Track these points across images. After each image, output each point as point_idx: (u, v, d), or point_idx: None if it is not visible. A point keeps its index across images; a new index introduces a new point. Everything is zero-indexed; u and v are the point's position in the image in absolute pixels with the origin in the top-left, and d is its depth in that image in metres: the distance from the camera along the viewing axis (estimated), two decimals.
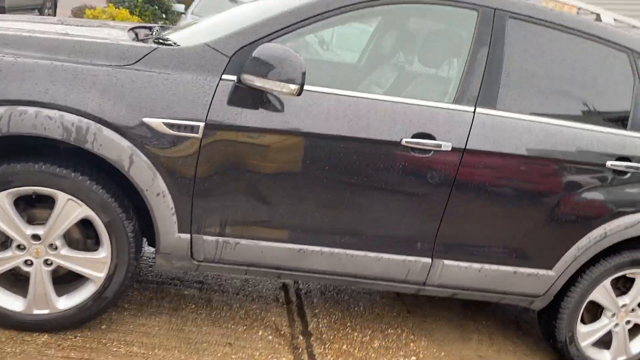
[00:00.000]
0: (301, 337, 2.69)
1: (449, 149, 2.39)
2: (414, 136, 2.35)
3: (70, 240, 2.25)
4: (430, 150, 2.38)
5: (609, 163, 2.58)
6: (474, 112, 2.44)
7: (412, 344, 2.84)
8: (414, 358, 2.73)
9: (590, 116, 2.62)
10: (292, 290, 3.13)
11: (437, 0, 2.47)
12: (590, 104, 2.63)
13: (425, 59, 2.80)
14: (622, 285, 2.88)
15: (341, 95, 2.30)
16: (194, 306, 2.74)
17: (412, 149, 2.36)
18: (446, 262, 2.57)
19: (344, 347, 2.69)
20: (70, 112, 2.02)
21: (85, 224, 2.24)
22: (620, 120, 2.66)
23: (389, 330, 2.93)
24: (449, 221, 2.49)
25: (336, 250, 2.43)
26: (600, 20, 2.76)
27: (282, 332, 2.68)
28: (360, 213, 2.40)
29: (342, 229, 2.42)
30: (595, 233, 2.64)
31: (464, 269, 2.59)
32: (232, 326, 2.64)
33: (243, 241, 2.34)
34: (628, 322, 2.89)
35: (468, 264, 2.59)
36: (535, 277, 2.68)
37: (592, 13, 2.83)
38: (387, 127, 2.33)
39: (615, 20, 2.81)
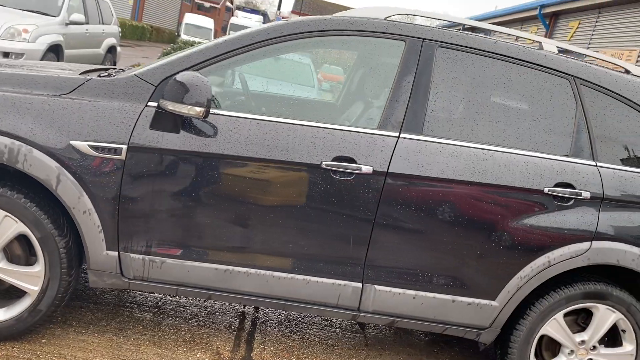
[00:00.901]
0: None
1: (370, 172, 2.42)
2: (334, 159, 2.41)
3: (12, 255, 2.43)
4: (352, 174, 2.42)
5: (546, 189, 2.51)
6: (398, 137, 2.48)
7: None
8: None
9: (527, 142, 2.58)
10: (250, 318, 3.17)
11: (365, 32, 2.57)
12: (528, 130, 2.60)
13: (355, 88, 2.87)
14: (583, 321, 2.73)
15: (261, 120, 2.41)
16: (141, 327, 2.83)
17: (334, 171, 2.41)
18: (378, 287, 2.55)
19: None
20: (5, 135, 2.24)
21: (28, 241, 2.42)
22: (561, 147, 2.60)
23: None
24: (377, 245, 2.50)
25: (262, 272, 2.49)
26: (542, 49, 2.75)
27: (221, 356, 2.72)
28: (284, 235, 2.46)
29: (266, 250, 2.47)
30: (538, 262, 2.55)
31: (398, 295, 2.56)
32: (172, 347, 2.71)
33: (169, 260, 2.44)
34: None
35: (401, 290, 2.56)
36: (476, 307, 2.60)
37: (534, 42, 2.83)
38: (307, 151, 2.40)
39: (558, 48, 2.79)
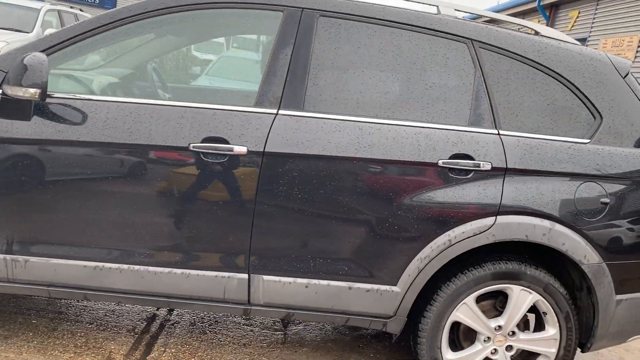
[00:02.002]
0: None
1: (244, 152, 2.24)
2: (204, 141, 2.23)
3: None
4: (225, 155, 2.24)
5: (441, 162, 2.31)
6: (276, 113, 2.29)
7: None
8: None
9: (420, 113, 2.38)
10: (159, 320, 2.99)
11: (240, 3, 2.40)
12: (421, 100, 2.40)
13: (233, 65, 2.69)
14: (502, 305, 2.51)
15: (122, 102, 2.24)
16: (31, 334, 2.66)
17: (204, 154, 2.23)
18: (266, 277, 2.36)
19: None
20: None
21: None
22: (459, 116, 2.40)
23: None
24: (261, 232, 2.31)
25: (136, 267, 2.30)
26: (439, 13, 2.56)
27: None
28: (156, 226, 2.28)
29: (138, 244, 2.29)
30: (439, 241, 2.34)
31: (289, 285, 2.36)
32: (58, 353, 2.53)
33: (33, 259, 2.27)
34: (509, 347, 2.50)
35: (292, 279, 2.36)
36: (376, 293, 2.39)
37: (432, 6, 2.63)
38: (174, 133, 2.23)
39: (457, 11, 2.60)
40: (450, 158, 2.32)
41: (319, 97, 2.34)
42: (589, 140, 2.43)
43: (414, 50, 2.42)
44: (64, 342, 2.64)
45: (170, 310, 3.12)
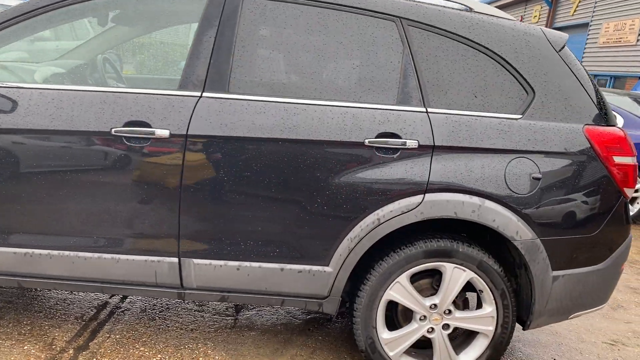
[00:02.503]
0: (71, 351, 2.55)
1: (167, 135, 2.24)
2: (125, 125, 2.24)
3: None
4: (148, 139, 2.25)
5: (367, 141, 2.30)
6: (200, 96, 2.29)
7: (201, 358, 2.61)
8: None
9: (347, 93, 2.37)
10: (110, 307, 3.01)
11: None
12: (348, 80, 2.39)
13: (158, 49, 2.69)
14: (438, 284, 2.50)
15: (44, 89, 2.25)
16: None
17: (127, 138, 2.24)
18: (196, 261, 2.36)
19: None
20: None
21: None
22: (387, 95, 2.38)
23: (189, 345, 2.71)
24: (189, 216, 2.31)
25: (66, 253, 2.32)
26: None
27: (53, 347, 2.56)
28: (83, 211, 2.29)
29: (67, 230, 2.31)
30: (368, 221, 2.34)
31: (220, 268, 2.37)
32: (0, 341, 2.56)
33: None
34: (446, 326, 2.49)
35: (222, 262, 2.37)
36: (308, 274, 2.39)
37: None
38: (95, 118, 2.23)
39: None
40: (377, 137, 2.31)
41: (244, 78, 2.34)
42: (521, 116, 2.40)
43: (341, 29, 2.41)
44: (7, 330, 2.67)
45: (123, 298, 3.14)
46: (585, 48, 17.16)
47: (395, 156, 2.32)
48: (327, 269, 2.39)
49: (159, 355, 2.59)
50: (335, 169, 2.30)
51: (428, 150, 2.33)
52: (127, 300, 3.12)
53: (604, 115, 2.48)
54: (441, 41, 2.42)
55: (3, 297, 2.98)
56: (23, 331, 2.67)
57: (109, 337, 2.71)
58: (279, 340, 2.86)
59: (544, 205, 2.37)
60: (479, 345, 2.52)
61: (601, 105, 2.49)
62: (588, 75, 2.54)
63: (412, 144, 2.31)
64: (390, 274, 2.40)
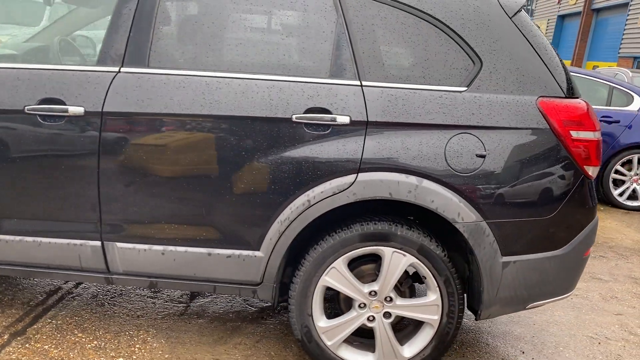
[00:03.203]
0: (6, 336, 2.50)
1: (81, 113, 2.15)
2: (39, 102, 2.15)
3: None
4: (62, 117, 2.16)
5: (294, 117, 2.15)
6: (118, 72, 2.19)
7: (138, 345, 2.52)
8: (121, 359, 2.41)
9: (275, 66, 2.22)
10: (61, 293, 2.96)
11: None
12: (276, 52, 2.23)
13: (78, 23, 2.59)
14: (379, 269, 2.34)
15: None
16: None
17: (42, 116, 2.16)
18: (119, 245, 2.27)
19: (46, 346, 2.45)
20: None
21: None
22: (319, 67, 2.22)
23: (130, 332, 2.63)
24: (109, 197, 2.22)
25: None
26: None
27: None
28: (0, 192, 2.22)
29: None
30: (298, 202, 2.19)
31: (144, 253, 2.27)
32: None
33: None
34: (388, 315, 2.33)
35: (147, 246, 2.27)
36: (238, 259, 2.27)
37: None
38: (9, 95, 2.15)
39: None
40: (306, 112, 2.16)
41: (165, 52, 2.22)
42: (466, 88, 2.21)
43: (269, 0, 2.25)
44: None
45: (78, 284, 3.09)
46: (625, 29, 16.41)
47: (326, 133, 2.16)
48: (257, 253, 2.26)
49: (96, 342, 2.52)
50: (261, 147, 2.16)
51: (361, 126, 2.16)
52: (81, 286, 3.07)
53: (563, 87, 2.25)
54: (379, 9, 2.24)
55: None
56: None
57: (50, 322, 2.65)
58: (226, 328, 2.75)
59: (489, 185, 2.17)
60: (424, 336, 2.35)
61: (561, 76, 2.27)
62: (548, 43, 2.31)
63: (343, 119, 2.15)
64: (324, 259, 2.25)
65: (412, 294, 2.42)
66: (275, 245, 2.24)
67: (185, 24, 2.25)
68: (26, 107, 2.14)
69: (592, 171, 2.31)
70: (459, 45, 2.23)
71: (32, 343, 2.46)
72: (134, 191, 2.20)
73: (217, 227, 2.24)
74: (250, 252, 2.26)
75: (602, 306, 3.45)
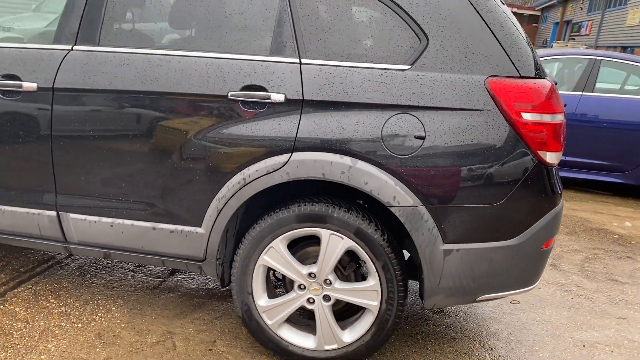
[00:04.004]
0: None
1: (34, 88, 2.27)
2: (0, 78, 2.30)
3: None
4: (19, 92, 2.29)
5: (230, 94, 2.16)
6: (70, 49, 2.29)
7: (100, 314, 2.64)
8: (79, 325, 2.54)
9: (216, 43, 2.23)
10: (51, 262, 3.15)
11: None
12: (219, 29, 2.24)
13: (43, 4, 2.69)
14: None
15: None
16: None
17: (2, 92, 2.30)
18: (72, 215, 2.39)
19: (18, 309, 2.62)
20: None
21: None
22: (260, 45, 2.21)
23: (98, 301, 2.76)
24: (62, 169, 2.33)
25: None
26: None
27: None
28: None
29: None
30: (234, 180, 2.20)
31: (94, 224, 2.37)
32: None
33: None
34: (327, 298, 2.29)
35: (96, 218, 2.37)
36: (180, 235, 2.32)
37: None
38: None
39: None
40: (242, 90, 2.16)
41: (114, 31, 2.29)
42: (410, 67, 2.11)
43: None
44: None
45: (70, 255, 3.26)
46: None
47: (262, 111, 2.16)
48: (199, 230, 2.30)
49: (63, 308, 2.66)
50: (199, 124, 2.19)
51: (297, 105, 2.14)
52: (72, 257, 3.24)
53: (519, 66, 2.11)
54: None
55: None
56: None
57: (30, 288, 2.83)
58: (192, 303, 2.82)
59: (429, 169, 2.08)
60: (365, 322, 2.30)
61: (517, 54, 2.12)
62: (508, 20, 2.16)
63: (278, 97, 2.13)
64: (262, 238, 2.25)
65: (358, 278, 2.36)
66: (214, 223, 2.27)
67: (133, 3, 2.30)
68: None
69: (550, 157, 2.14)
70: (405, 21, 2.14)
71: (6, 305, 2.64)
72: (83, 164, 2.30)
73: (160, 202, 2.29)
74: (192, 229, 2.30)
75: (605, 309, 3.20)
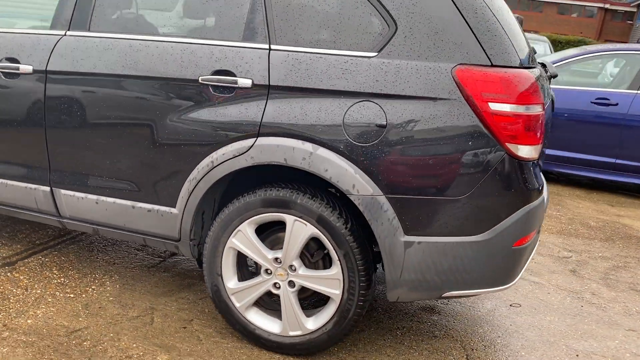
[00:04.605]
0: None
1: (30, 71, 2.43)
2: (2, 61, 2.48)
3: None
4: (17, 74, 2.47)
5: (201, 78, 2.22)
6: (64, 35, 2.44)
7: (94, 287, 2.80)
8: (71, 295, 2.70)
9: (193, 29, 2.30)
10: (66, 238, 3.36)
11: None
12: (196, 15, 2.31)
13: None
14: None
15: None
16: None
17: (5, 73, 2.49)
18: (63, 191, 2.54)
19: (22, 277, 2.82)
20: None
21: None
22: (233, 31, 2.25)
23: (96, 275, 2.92)
24: (54, 147, 2.49)
25: None
26: None
27: None
28: None
29: None
30: (204, 163, 2.26)
31: (82, 200, 2.52)
32: None
33: None
34: (292, 284, 2.31)
35: (83, 194, 2.51)
36: (157, 214, 2.41)
37: None
38: None
39: None
40: (212, 74, 2.21)
41: (103, 17, 2.41)
42: (376, 54, 2.08)
43: None
44: None
45: (73, 231, 3.46)
46: None
47: (230, 96, 2.20)
48: (173, 210, 2.38)
49: (62, 279, 2.84)
50: (173, 107, 2.27)
51: (264, 90, 2.16)
52: (86, 234, 3.44)
53: (492, 54, 2.02)
54: None
55: None
56: None
57: (39, 259, 3.04)
58: (182, 283, 2.92)
59: (390, 158, 2.04)
60: (329, 310, 2.29)
61: (492, 42, 2.04)
62: (485, 6, 2.08)
63: (245, 82, 2.17)
64: (230, 221, 2.30)
65: (327, 265, 2.35)
66: (186, 204, 2.34)
67: None
68: None
69: (523, 150, 2.04)
70: (375, 7, 2.10)
71: (13, 273, 2.85)
72: (72, 143, 2.45)
73: (138, 182, 2.39)
74: (167, 209, 2.39)
75: (616, 319, 2.99)
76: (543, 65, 2.75)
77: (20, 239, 3.27)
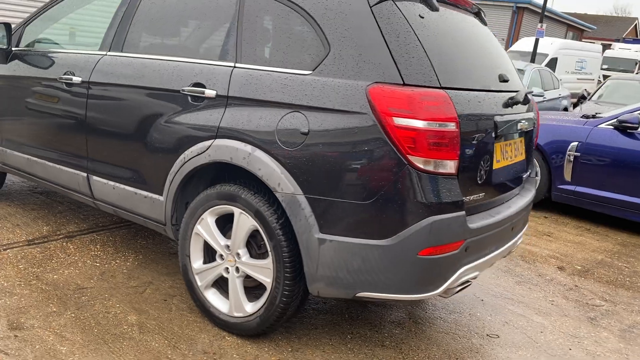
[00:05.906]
0: (62, 235, 3.69)
1: (79, 81, 3.16)
2: (64, 74, 3.25)
3: None
4: (73, 84, 3.21)
5: (182, 89, 2.72)
6: (105, 54, 3.13)
7: (118, 261, 3.40)
8: (97, 264, 3.32)
9: (188, 50, 2.82)
10: (122, 224, 4.07)
11: None
12: (189, 39, 2.83)
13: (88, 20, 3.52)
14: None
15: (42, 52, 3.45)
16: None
17: (66, 83, 3.25)
18: (94, 177, 3.19)
19: (71, 247, 3.54)
20: None
21: None
22: (214, 51, 2.74)
23: (124, 256, 3.52)
24: (91, 140, 3.16)
25: (41, 161, 3.47)
26: None
27: (58, 231, 3.76)
28: (45, 134, 3.39)
29: (38, 145, 3.45)
30: (180, 158, 2.74)
31: (105, 185, 3.14)
32: None
33: (7, 150, 3.68)
34: (238, 269, 2.65)
35: (106, 180, 3.13)
36: (150, 200, 2.94)
37: None
38: (52, 70, 3.31)
39: None
40: (191, 86, 2.70)
41: (133, 41, 3.05)
42: (311, 72, 2.40)
43: (194, 2, 2.87)
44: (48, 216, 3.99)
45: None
46: None
47: (202, 104, 2.67)
48: (160, 197, 2.88)
49: (99, 252, 3.49)
50: (165, 111, 2.80)
51: (224, 100, 2.59)
52: (138, 226, 4.10)
53: (405, 74, 2.23)
54: (267, 3, 2.62)
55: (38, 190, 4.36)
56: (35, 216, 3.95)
57: (93, 236, 3.75)
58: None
59: (308, 162, 2.33)
60: (263, 297, 2.58)
61: (407, 64, 2.24)
62: (410, 32, 2.29)
63: (210, 93, 2.62)
64: (196, 209, 2.72)
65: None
66: (168, 192, 2.82)
67: (148, 22, 3.04)
68: (58, 77, 3.27)
69: (428, 164, 2.19)
70: (316, 32, 2.43)
71: (68, 243, 3.58)
72: (101, 137, 3.10)
73: (138, 172, 2.95)
74: (157, 196, 2.90)
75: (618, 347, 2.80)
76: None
77: (90, 220, 4.03)
